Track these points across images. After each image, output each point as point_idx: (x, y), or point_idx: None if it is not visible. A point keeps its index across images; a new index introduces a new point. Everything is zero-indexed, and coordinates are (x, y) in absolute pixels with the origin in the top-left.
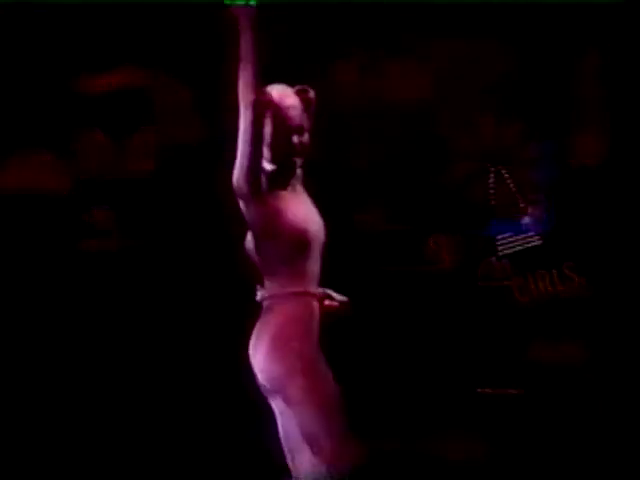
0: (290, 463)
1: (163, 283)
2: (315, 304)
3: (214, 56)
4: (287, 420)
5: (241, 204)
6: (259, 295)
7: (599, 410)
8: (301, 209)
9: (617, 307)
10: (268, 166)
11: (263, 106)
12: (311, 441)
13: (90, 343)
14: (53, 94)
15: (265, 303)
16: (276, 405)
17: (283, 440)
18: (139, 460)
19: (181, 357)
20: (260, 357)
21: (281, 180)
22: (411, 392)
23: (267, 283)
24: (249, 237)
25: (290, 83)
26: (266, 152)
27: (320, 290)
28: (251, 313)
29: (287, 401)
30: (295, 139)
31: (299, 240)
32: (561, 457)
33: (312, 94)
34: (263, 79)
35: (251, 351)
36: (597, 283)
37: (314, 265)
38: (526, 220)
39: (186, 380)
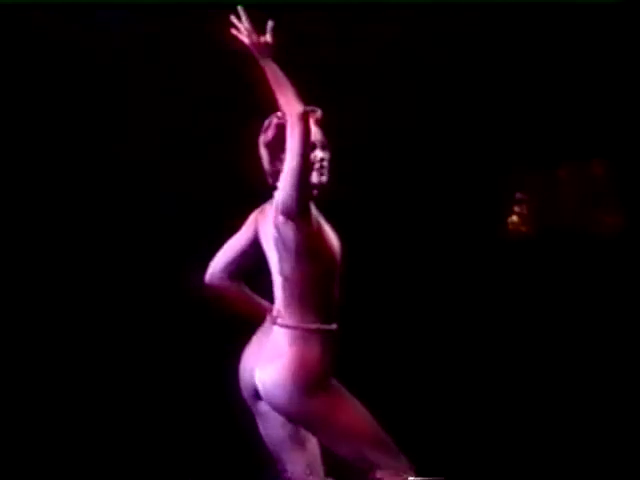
0: (280, 465)
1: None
2: (333, 339)
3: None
4: (270, 422)
5: (280, 223)
6: (274, 317)
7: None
8: (331, 231)
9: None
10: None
11: (309, 119)
12: (367, 465)
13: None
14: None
15: (283, 330)
16: (257, 409)
17: (268, 442)
18: (137, 459)
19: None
20: (282, 390)
21: (315, 200)
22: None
23: (288, 309)
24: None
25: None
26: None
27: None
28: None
29: (329, 437)
30: (324, 159)
31: (333, 263)
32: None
33: (319, 114)
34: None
35: (250, 365)
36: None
37: (337, 291)
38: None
39: (185, 380)
